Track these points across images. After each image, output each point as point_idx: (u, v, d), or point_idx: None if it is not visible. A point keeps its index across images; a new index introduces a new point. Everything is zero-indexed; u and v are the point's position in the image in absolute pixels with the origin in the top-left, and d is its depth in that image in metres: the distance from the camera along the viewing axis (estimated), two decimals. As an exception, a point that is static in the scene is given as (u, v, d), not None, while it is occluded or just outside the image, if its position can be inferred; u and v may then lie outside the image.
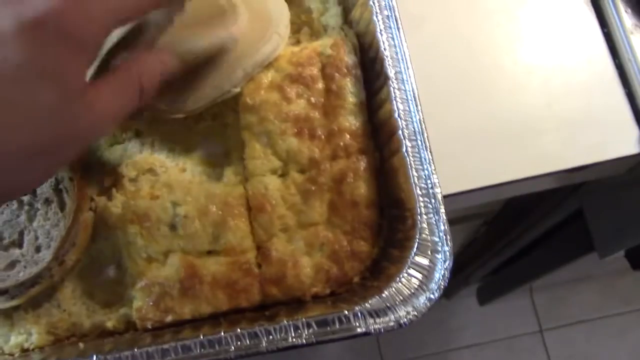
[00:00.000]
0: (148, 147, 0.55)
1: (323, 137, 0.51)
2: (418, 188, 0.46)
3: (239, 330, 0.44)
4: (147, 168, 0.54)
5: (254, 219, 0.50)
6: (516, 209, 0.89)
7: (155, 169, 0.54)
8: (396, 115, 0.48)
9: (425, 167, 0.46)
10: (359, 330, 0.43)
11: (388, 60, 0.50)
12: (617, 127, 0.58)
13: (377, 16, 0.51)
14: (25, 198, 0.48)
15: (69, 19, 0.33)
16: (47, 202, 0.47)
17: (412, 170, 0.46)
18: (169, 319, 0.47)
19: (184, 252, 0.49)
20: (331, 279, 0.48)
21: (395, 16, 0.51)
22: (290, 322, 0.43)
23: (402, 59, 0.50)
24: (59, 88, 0.33)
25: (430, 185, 0.46)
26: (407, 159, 0.47)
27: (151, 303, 0.47)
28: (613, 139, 0.58)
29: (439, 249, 0.44)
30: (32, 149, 0.33)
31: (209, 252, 0.49)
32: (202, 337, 0.43)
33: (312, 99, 0.51)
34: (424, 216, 0.45)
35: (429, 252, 0.45)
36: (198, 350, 0.43)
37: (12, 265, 0.47)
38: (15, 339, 0.50)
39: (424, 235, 0.45)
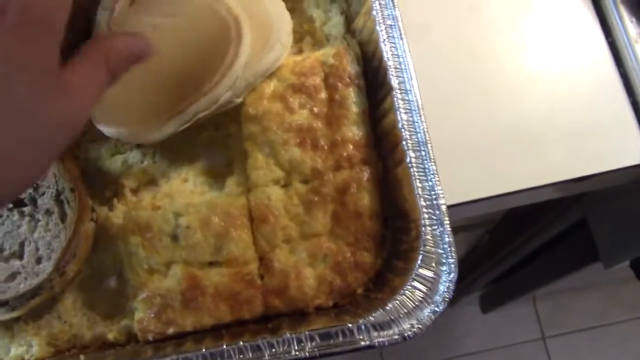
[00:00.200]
0: (149, 158, 0.55)
1: (326, 147, 0.50)
2: (422, 199, 0.45)
3: (241, 343, 0.43)
4: (149, 179, 0.54)
5: (256, 230, 0.49)
6: (519, 217, 0.88)
7: (156, 179, 0.54)
8: (400, 125, 0.48)
9: (429, 178, 0.46)
10: (362, 343, 0.42)
11: (391, 70, 0.49)
12: (622, 136, 0.58)
13: (380, 25, 0.51)
14: (27, 209, 0.47)
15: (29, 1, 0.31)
16: (48, 213, 0.47)
17: (416, 182, 0.46)
18: (171, 331, 0.47)
19: (186, 263, 0.49)
20: (334, 291, 0.48)
21: (398, 26, 0.51)
22: (294, 335, 0.43)
23: (406, 69, 0.49)
24: (33, 78, 0.32)
25: (434, 197, 0.45)
26: (411, 170, 0.46)
27: (152, 315, 0.47)
28: (617, 149, 0.57)
29: (444, 260, 0.44)
30: (16, 145, 0.32)
31: (211, 263, 0.49)
32: (204, 350, 0.43)
33: (315, 109, 0.51)
34: (428, 228, 0.45)
35: (434, 264, 0.44)
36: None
37: (12, 276, 0.47)
38: (16, 351, 0.50)
39: (428, 247, 0.45)
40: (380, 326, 0.43)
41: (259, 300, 0.48)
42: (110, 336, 0.49)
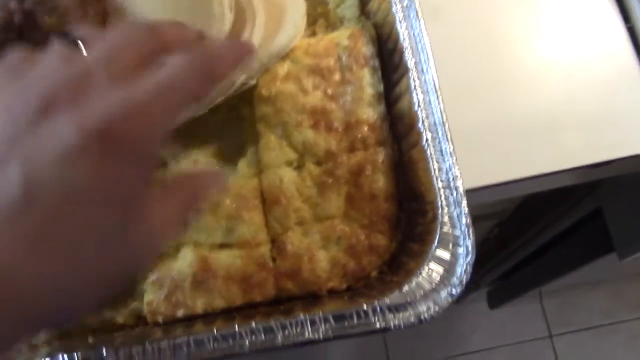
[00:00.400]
0: (160, 139, 0.54)
1: (340, 129, 0.49)
2: (439, 181, 0.45)
3: (253, 324, 0.42)
4: (159, 160, 0.53)
5: (268, 212, 0.48)
6: (531, 209, 0.87)
7: (167, 161, 0.53)
8: (416, 107, 0.47)
9: (446, 159, 0.45)
10: (377, 325, 0.41)
11: (408, 51, 0.48)
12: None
13: (395, 6, 0.50)
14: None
15: (133, 128, 0.28)
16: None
17: (432, 163, 0.45)
18: (181, 313, 0.46)
19: (197, 245, 0.48)
20: (348, 274, 0.47)
21: (414, 6, 0.50)
22: (307, 317, 0.42)
23: (422, 50, 0.48)
24: (123, 213, 0.29)
25: (451, 178, 0.45)
26: (428, 151, 0.45)
27: (162, 297, 0.46)
28: (635, 135, 0.56)
29: (461, 242, 0.43)
30: (83, 278, 0.29)
31: (222, 246, 0.48)
32: (215, 332, 0.42)
33: (329, 91, 0.50)
34: (445, 209, 0.44)
35: (451, 246, 0.43)
36: (211, 345, 0.42)
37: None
38: (23, 333, 0.49)
39: (445, 229, 0.44)
40: (396, 308, 0.42)
41: (271, 282, 0.47)
42: (120, 318, 0.48)
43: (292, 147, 0.50)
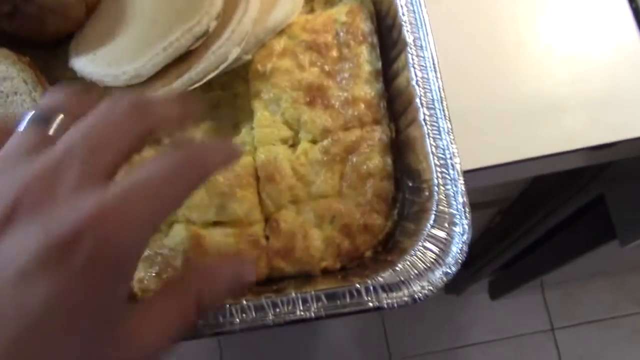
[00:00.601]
0: (154, 116, 0.53)
1: (336, 106, 0.48)
2: (435, 158, 0.44)
3: (244, 302, 0.41)
4: (153, 138, 0.52)
5: (262, 190, 0.47)
6: (533, 197, 0.86)
7: (161, 139, 0.52)
8: (414, 82, 0.46)
9: (443, 136, 0.44)
10: (370, 304, 0.40)
11: (406, 26, 0.47)
12: (644, 105, 0.55)
13: (395, -18, 0.49)
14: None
15: (108, 232, 0.25)
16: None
17: (429, 140, 0.44)
18: (172, 290, 0.45)
19: (189, 222, 0.47)
20: (342, 253, 0.46)
21: (414, -17, 0.49)
22: (299, 295, 0.41)
23: (422, 25, 0.47)
24: (93, 342, 0.25)
25: (448, 156, 0.43)
26: (425, 127, 0.44)
27: (154, 274, 0.45)
28: (638, 118, 0.55)
29: (457, 221, 0.42)
30: None
31: (215, 223, 0.47)
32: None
33: (326, 67, 0.49)
34: (442, 187, 0.43)
35: (446, 225, 0.42)
36: (200, 322, 0.41)
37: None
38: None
39: (441, 207, 0.43)
40: (389, 287, 0.41)
41: (263, 261, 0.46)
42: (110, 296, 0.47)
43: (287, 125, 0.49)
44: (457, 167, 0.43)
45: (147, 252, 0.46)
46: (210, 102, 0.53)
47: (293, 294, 0.41)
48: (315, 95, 0.48)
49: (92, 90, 0.39)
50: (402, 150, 0.47)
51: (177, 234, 0.46)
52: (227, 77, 0.52)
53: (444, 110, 0.44)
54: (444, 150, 0.44)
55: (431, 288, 0.40)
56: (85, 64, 0.50)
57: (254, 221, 0.47)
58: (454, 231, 0.42)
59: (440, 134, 0.44)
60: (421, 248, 0.42)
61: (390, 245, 0.46)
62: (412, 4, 0.48)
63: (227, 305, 0.41)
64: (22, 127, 0.30)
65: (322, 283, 0.44)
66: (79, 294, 0.24)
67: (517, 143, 0.54)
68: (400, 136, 0.48)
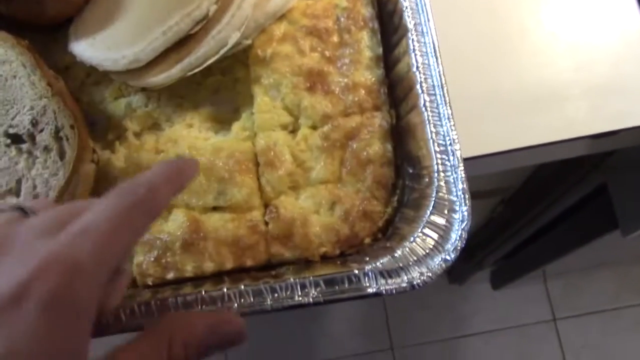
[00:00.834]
0: (154, 101, 0.53)
1: (337, 92, 0.48)
2: (436, 144, 0.43)
3: (242, 287, 0.41)
4: (153, 122, 0.52)
5: (262, 175, 0.47)
6: (536, 186, 0.86)
7: (160, 123, 0.52)
8: (414, 68, 0.45)
9: (444, 122, 0.44)
10: (369, 290, 0.40)
11: (407, 12, 0.47)
12: (647, 94, 0.55)
13: (397, -33, 0.49)
14: (24, 146, 0.46)
15: (56, 279, 0.25)
16: (47, 149, 0.45)
17: (430, 126, 0.44)
18: (171, 275, 0.45)
19: (188, 207, 0.47)
20: (341, 240, 0.46)
21: (416, -33, 0.48)
22: (297, 281, 0.41)
23: (423, 11, 0.47)
24: None
25: (449, 142, 0.43)
26: (425, 114, 0.44)
27: (152, 259, 0.45)
28: (642, 107, 0.55)
29: (457, 208, 0.42)
30: None
31: (215, 209, 0.47)
32: (203, 293, 0.41)
33: (327, 53, 0.49)
34: (442, 174, 0.43)
35: (446, 212, 0.42)
36: (199, 307, 0.41)
37: (9, 215, 0.45)
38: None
39: (440, 194, 0.42)
40: (388, 273, 0.41)
41: (262, 246, 0.46)
42: (109, 280, 0.47)
43: (287, 110, 0.48)
44: (458, 153, 0.43)
45: (146, 237, 0.46)
46: (211, 87, 0.53)
47: (291, 280, 0.41)
48: (315, 80, 0.48)
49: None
50: (402, 137, 0.47)
51: (177, 219, 0.46)
52: (228, 62, 0.52)
53: (444, 96, 0.44)
54: (444, 136, 0.43)
55: (430, 274, 0.40)
56: (84, 48, 0.50)
57: (253, 207, 0.47)
58: (454, 218, 0.42)
59: (440, 121, 0.44)
60: (420, 235, 0.42)
61: (389, 232, 0.46)
62: (413, -11, 0.48)
63: (225, 290, 0.41)
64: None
65: (321, 269, 0.43)
66: (34, 343, 0.24)
67: (519, 130, 0.54)
68: (401, 122, 0.47)
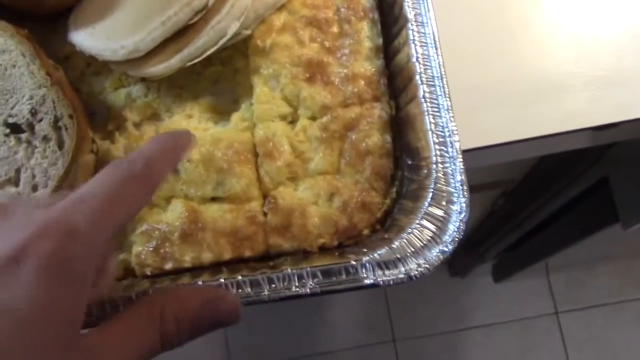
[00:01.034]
0: (154, 92, 0.53)
1: (336, 82, 0.48)
2: (434, 135, 0.43)
3: (240, 277, 0.41)
4: (152, 113, 0.52)
5: (260, 166, 0.47)
6: (538, 178, 0.86)
7: (160, 114, 0.52)
8: (414, 59, 0.45)
9: (443, 114, 0.43)
10: (366, 281, 0.40)
11: (407, 2, 0.47)
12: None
13: (397, -43, 0.48)
14: (24, 135, 0.46)
15: (53, 243, 0.25)
16: (46, 139, 0.45)
17: (429, 117, 0.44)
18: (169, 265, 0.45)
19: (187, 197, 0.47)
20: (339, 231, 0.46)
21: (417, -43, 0.48)
22: (294, 271, 0.41)
23: (423, 1, 0.47)
24: (45, 347, 0.24)
25: (447, 133, 0.43)
26: (424, 105, 0.44)
27: (151, 249, 0.45)
28: (644, 98, 0.54)
29: (455, 199, 0.42)
30: None
31: (213, 199, 0.47)
32: (200, 283, 0.41)
33: (326, 43, 0.49)
34: (440, 165, 0.42)
35: (444, 203, 0.42)
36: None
37: (8, 204, 0.45)
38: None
39: (439, 185, 0.42)
40: (385, 265, 0.41)
41: (261, 237, 0.46)
42: (108, 270, 0.48)
43: (286, 101, 0.48)
44: (456, 145, 0.43)
45: (144, 227, 0.46)
46: (210, 77, 0.53)
47: (289, 270, 0.41)
48: (315, 71, 0.48)
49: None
50: (402, 128, 0.47)
51: (175, 209, 0.46)
52: (227, 52, 0.52)
53: (443, 88, 0.44)
54: (443, 128, 0.43)
55: (427, 266, 0.40)
56: (84, 38, 0.50)
57: (251, 197, 0.47)
58: (452, 209, 0.42)
59: (439, 112, 0.44)
60: (418, 226, 0.42)
61: (388, 223, 0.46)
62: (414, -21, 0.47)
63: (222, 280, 0.42)
64: None
65: (319, 260, 0.43)
66: (31, 303, 0.24)
67: (520, 122, 0.54)
68: (401, 113, 0.47)
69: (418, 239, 0.41)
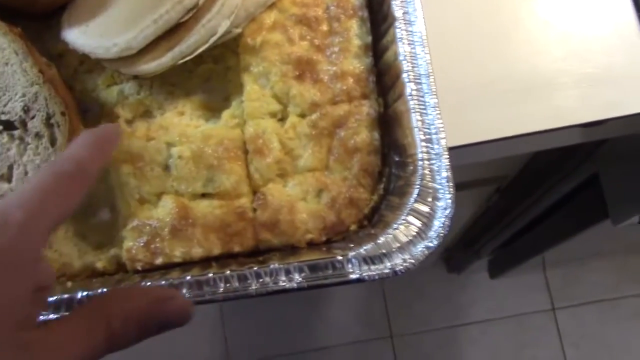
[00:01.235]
0: (146, 89, 0.53)
1: (325, 80, 0.48)
2: (421, 133, 0.44)
3: (228, 272, 0.42)
4: (144, 110, 0.53)
5: (250, 163, 0.48)
6: (531, 175, 0.86)
7: (152, 111, 0.53)
8: (401, 57, 0.46)
9: (429, 111, 0.44)
10: (352, 276, 0.41)
11: (395, 1, 0.47)
12: (638, 83, 0.55)
13: (386, -45, 0.49)
14: (16, 132, 0.46)
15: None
16: (38, 136, 0.46)
17: (415, 115, 0.44)
18: (159, 261, 0.46)
19: (177, 193, 0.48)
20: (327, 227, 0.46)
21: (405, -45, 0.48)
22: (282, 266, 0.42)
23: (411, 0, 0.47)
24: None
25: (434, 131, 0.44)
26: (411, 102, 0.44)
27: (141, 244, 0.46)
28: (632, 96, 0.55)
29: (440, 196, 0.42)
30: None
31: (203, 195, 0.48)
32: (189, 277, 0.42)
33: (316, 41, 0.49)
34: (426, 162, 0.43)
35: (430, 199, 0.42)
36: (185, 291, 0.42)
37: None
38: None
39: (425, 182, 0.43)
40: (371, 260, 0.41)
41: (250, 233, 0.46)
42: (99, 265, 0.48)
43: (276, 98, 0.49)
44: (442, 142, 0.43)
45: (135, 223, 0.47)
46: (202, 75, 0.53)
47: (276, 265, 0.42)
48: (304, 69, 0.48)
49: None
50: (389, 125, 0.48)
51: (166, 205, 0.47)
52: (219, 50, 0.52)
53: (430, 85, 0.45)
54: (429, 125, 0.44)
55: (412, 261, 0.41)
56: (77, 36, 0.50)
57: (241, 194, 0.47)
58: (437, 206, 0.42)
59: (426, 109, 0.44)
60: (404, 222, 0.42)
61: (375, 219, 0.46)
62: (402, -23, 0.48)
63: (211, 274, 0.42)
64: None
65: (306, 255, 0.44)
66: None
67: (509, 119, 0.54)
68: (388, 111, 0.48)
69: (404, 234, 0.42)
